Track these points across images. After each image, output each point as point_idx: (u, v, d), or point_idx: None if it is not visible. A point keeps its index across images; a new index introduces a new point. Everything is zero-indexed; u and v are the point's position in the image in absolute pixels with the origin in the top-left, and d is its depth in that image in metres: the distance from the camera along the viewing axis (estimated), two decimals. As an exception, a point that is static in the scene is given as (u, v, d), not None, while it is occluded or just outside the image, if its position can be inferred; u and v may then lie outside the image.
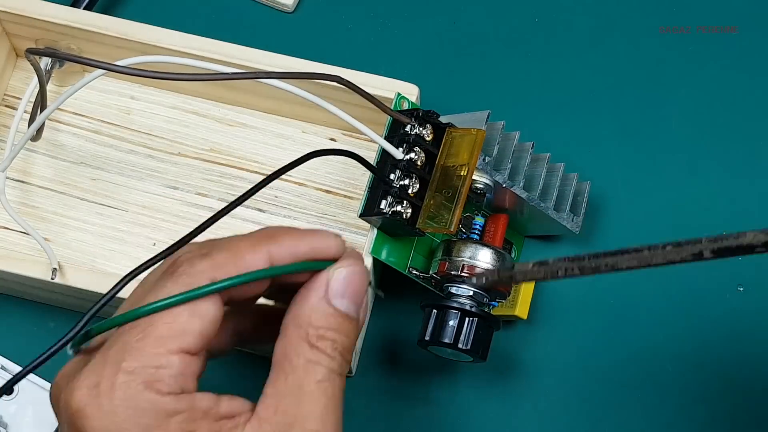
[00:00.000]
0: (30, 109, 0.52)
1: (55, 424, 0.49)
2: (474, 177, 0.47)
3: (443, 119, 0.47)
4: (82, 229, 0.53)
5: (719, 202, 0.54)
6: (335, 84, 0.50)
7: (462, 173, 0.45)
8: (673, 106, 0.56)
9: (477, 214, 0.50)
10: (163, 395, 0.34)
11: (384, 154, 0.46)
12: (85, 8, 0.55)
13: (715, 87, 0.56)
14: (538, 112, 0.56)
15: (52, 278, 0.47)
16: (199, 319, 0.35)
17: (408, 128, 0.46)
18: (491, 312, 0.48)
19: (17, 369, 0.50)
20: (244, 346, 0.43)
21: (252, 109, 0.55)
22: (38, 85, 0.50)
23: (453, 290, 0.47)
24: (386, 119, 0.47)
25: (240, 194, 0.40)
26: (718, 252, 0.32)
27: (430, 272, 0.48)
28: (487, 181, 0.48)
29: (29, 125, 0.51)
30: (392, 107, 0.48)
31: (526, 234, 0.53)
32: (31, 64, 0.47)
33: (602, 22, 0.58)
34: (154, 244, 0.53)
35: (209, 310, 0.35)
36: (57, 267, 0.47)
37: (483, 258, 0.47)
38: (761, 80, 0.57)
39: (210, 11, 0.58)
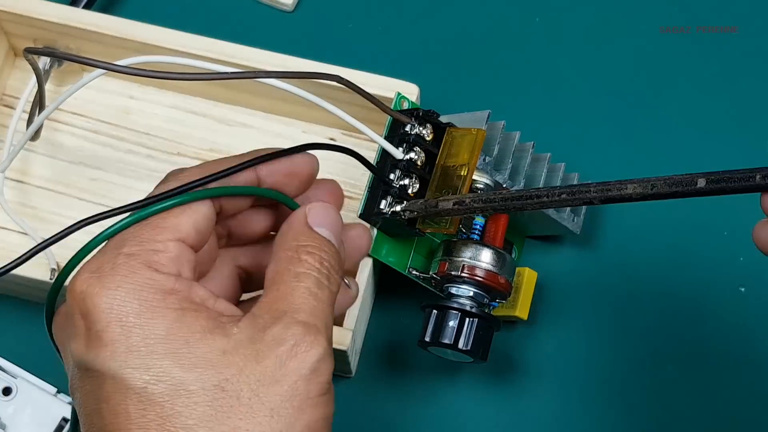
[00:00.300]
0: (28, 109, 0.52)
1: (54, 424, 0.49)
2: (474, 177, 0.47)
3: (443, 119, 0.47)
4: (82, 229, 0.53)
5: (719, 200, 0.54)
6: (335, 84, 0.50)
7: (462, 173, 0.45)
8: (673, 106, 0.56)
9: (477, 215, 0.50)
10: (162, 273, 0.36)
11: (384, 153, 0.46)
12: (84, 8, 0.55)
13: (715, 87, 0.56)
14: (538, 112, 0.56)
15: (51, 278, 0.47)
16: (193, 213, 0.38)
17: (408, 128, 0.46)
18: (491, 313, 0.48)
19: (16, 369, 0.50)
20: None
21: (252, 108, 0.55)
22: (37, 85, 0.50)
23: (453, 291, 0.47)
24: (386, 119, 0.47)
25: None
26: (604, 200, 0.39)
27: (430, 272, 0.48)
28: (488, 181, 0.47)
29: (28, 125, 0.51)
30: (392, 107, 0.47)
31: (527, 234, 0.53)
32: (30, 64, 0.47)
33: (602, 22, 0.58)
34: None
35: (200, 207, 0.38)
36: (56, 267, 0.47)
37: (484, 258, 0.47)
38: (761, 80, 0.57)
39: (210, 11, 0.58)
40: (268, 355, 0.35)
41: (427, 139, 0.46)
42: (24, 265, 0.48)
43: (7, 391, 0.50)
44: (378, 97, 0.48)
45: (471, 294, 0.47)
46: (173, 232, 0.37)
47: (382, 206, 0.45)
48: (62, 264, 0.47)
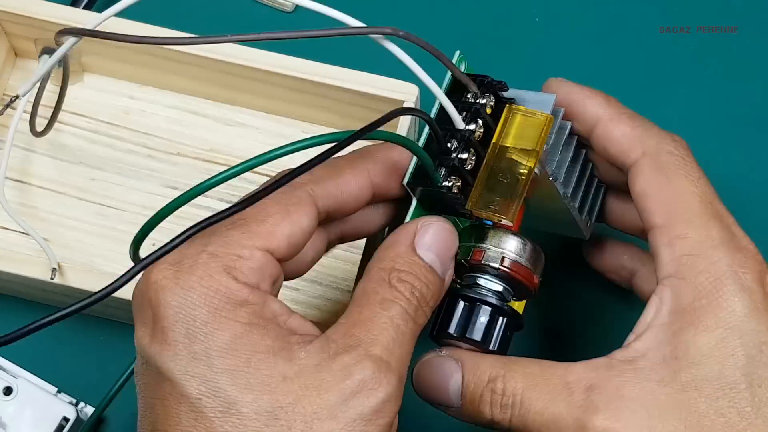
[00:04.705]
0: (29, 109, 0.52)
1: (55, 424, 0.49)
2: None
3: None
4: (82, 229, 0.53)
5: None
6: (336, 85, 0.50)
7: (526, 162, 0.40)
8: (672, 105, 0.56)
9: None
10: (239, 282, 0.35)
11: (440, 118, 0.40)
12: (84, 8, 0.55)
13: (715, 87, 0.56)
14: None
15: (52, 278, 0.47)
16: (290, 225, 0.36)
17: (470, 96, 0.41)
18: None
19: (17, 369, 0.50)
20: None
21: (252, 108, 0.55)
22: (63, 69, 0.49)
23: (482, 282, 0.42)
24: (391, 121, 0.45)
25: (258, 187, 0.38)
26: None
27: (458, 257, 0.42)
28: (536, 170, 0.42)
29: (29, 125, 0.51)
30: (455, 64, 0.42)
31: (529, 225, 0.50)
32: (56, 44, 0.45)
33: (602, 22, 0.58)
34: (154, 244, 0.52)
35: (302, 219, 0.36)
36: (56, 267, 0.47)
37: (526, 254, 0.42)
38: (761, 80, 0.57)
39: (210, 11, 0.58)
40: (331, 387, 0.34)
41: (487, 111, 0.41)
42: (24, 264, 0.48)
43: (7, 390, 0.50)
44: (379, 97, 0.48)
45: (500, 289, 0.42)
46: (264, 240, 0.35)
47: (443, 179, 0.40)
48: (63, 264, 0.48)
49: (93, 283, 0.47)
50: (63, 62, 0.53)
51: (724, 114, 0.56)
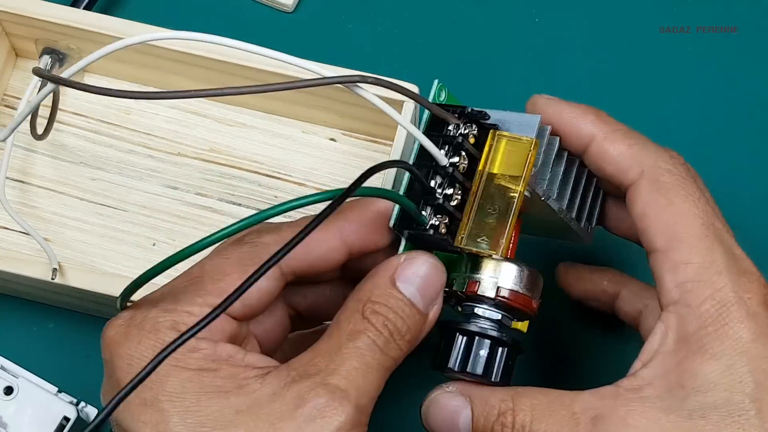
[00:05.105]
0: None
1: (55, 423, 0.49)
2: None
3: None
4: (82, 229, 0.53)
5: (719, 201, 0.54)
6: (335, 84, 0.50)
7: (515, 188, 0.39)
8: (672, 106, 0.56)
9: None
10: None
11: (421, 156, 0.40)
12: (84, 8, 0.55)
13: (715, 87, 0.56)
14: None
15: (52, 278, 0.47)
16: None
17: (452, 128, 0.40)
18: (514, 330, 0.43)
19: (17, 369, 0.50)
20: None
21: (252, 109, 0.55)
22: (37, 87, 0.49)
23: (479, 312, 0.41)
24: (390, 121, 0.46)
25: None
26: None
27: (454, 287, 0.41)
28: (526, 193, 0.42)
29: (30, 125, 0.51)
30: (431, 99, 0.41)
31: (528, 233, 0.51)
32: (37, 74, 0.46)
33: (602, 22, 0.58)
34: (154, 244, 0.53)
35: (262, 281, 0.34)
36: (57, 267, 0.47)
37: (521, 282, 0.41)
38: (761, 80, 0.56)
39: (210, 11, 0.58)
40: (284, 416, 0.33)
41: (470, 141, 0.40)
42: (24, 264, 0.48)
43: (8, 390, 0.50)
44: (381, 98, 0.48)
45: (499, 317, 0.41)
46: (216, 298, 0.35)
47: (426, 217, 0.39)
48: (63, 264, 0.48)
49: (93, 283, 0.47)
50: (60, 63, 0.53)
51: (723, 114, 0.56)
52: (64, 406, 0.50)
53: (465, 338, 0.41)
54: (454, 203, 0.39)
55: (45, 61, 0.52)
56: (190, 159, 0.54)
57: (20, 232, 0.53)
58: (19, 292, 0.52)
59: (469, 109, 0.40)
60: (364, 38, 0.58)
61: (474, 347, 0.40)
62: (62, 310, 0.52)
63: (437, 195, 0.39)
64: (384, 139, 0.54)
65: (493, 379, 0.40)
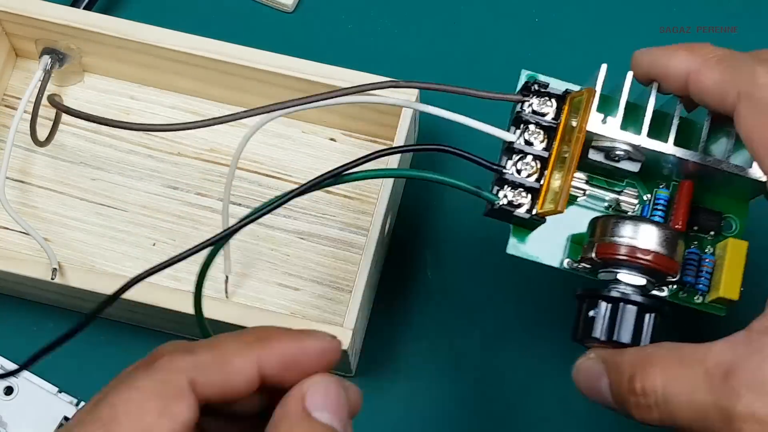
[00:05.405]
0: (30, 109, 0.52)
1: (56, 423, 0.49)
2: (607, 144, 0.41)
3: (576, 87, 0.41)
4: (82, 229, 0.53)
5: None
6: (334, 83, 0.50)
7: (574, 137, 0.39)
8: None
9: (661, 186, 0.43)
10: None
11: (503, 144, 0.41)
12: (85, 8, 0.55)
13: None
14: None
15: (52, 278, 0.47)
16: (169, 421, 0.32)
17: (520, 106, 0.40)
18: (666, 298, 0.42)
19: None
20: None
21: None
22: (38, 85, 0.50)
23: (622, 277, 0.40)
24: (390, 120, 0.46)
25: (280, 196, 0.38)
26: None
27: (589, 254, 0.41)
28: (625, 147, 0.41)
29: (31, 126, 0.51)
30: (515, 90, 0.42)
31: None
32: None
33: (602, 22, 0.58)
34: (154, 244, 0.53)
35: (182, 413, 0.32)
36: (57, 267, 0.47)
37: (658, 239, 0.39)
38: (761, 80, 0.56)
39: (210, 11, 0.58)
40: None
41: (546, 113, 0.40)
42: (24, 264, 0.48)
43: (8, 390, 0.50)
44: (379, 97, 0.48)
45: (644, 283, 0.40)
46: None
47: (500, 197, 0.40)
48: (63, 264, 0.48)
49: (93, 283, 0.47)
50: (60, 63, 0.53)
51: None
52: (64, 406, 0.50)
53: (609, 305, 0.40)
54: (530, 176, 0.40)
55: (45, 61, 0.52)
56: (190, 159, 0.54)
57: (20, 232, 0.53)
58: (19, 292, 0.52)
59: (532, 84, 0.40)
60: (364, 38, 0.58)
61: (620, 314, 0.39)
62: (62, 310, 0.52)
63: (504, 171, 0.40)
64: (384, 139, 0.54)
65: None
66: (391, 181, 0.49)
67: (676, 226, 0.41)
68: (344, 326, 0.46)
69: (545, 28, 0.58)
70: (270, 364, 0.34)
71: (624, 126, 0.41)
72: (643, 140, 0.41)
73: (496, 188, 0.40)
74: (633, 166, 0.42)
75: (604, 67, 0.41)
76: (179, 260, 0.37)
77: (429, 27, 0.58)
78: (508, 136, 0.40)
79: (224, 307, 0.46)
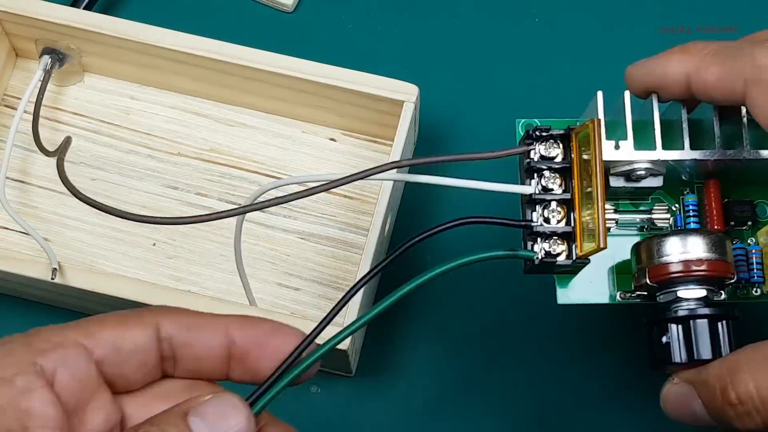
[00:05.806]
0: (30, 110, 0.52)
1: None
2: (629, 167, 0.40)
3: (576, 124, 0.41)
4: (82, 229, 0.53)
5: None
6: (334, 83, 0.50)
7: (590, 171, 0.38)
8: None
9: (686, 192, 0.42)
10: None
11: (522, 200, 0.40)
12: (84, 8, 0.55)
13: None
14: (539, 111, 0.56)
15: (52, 278, 0.47)
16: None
17: (531, 155, 0.40)
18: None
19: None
20: None
21: (252, 109, 0.55)
22: (38, 86, 0.50)
23: (682, 294, 0.39)
24: (390, 120, 0.46)
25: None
26: None
27: (640, 282, 0.40)
28: (646, 165, 0.40)
29: (33, 126, 0.51)
30: (517, 142, 0.41)
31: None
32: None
33: (602, 22, 0.58)
34: (154, 244, 0.53)
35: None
36: (57, 267, 0.47)
37: (714, 247, 0.39)
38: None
39: (210, 11, 0.58)
40: None
41: (555, 155, 0.40)
42: (24, 264, 0.48)
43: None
44: (379, 97, 0.48)
45: (705, 294, 0.39)
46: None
47: (536, 250, 0.39)
48: (63, 264, 0.48)
49: (93, 283, 0.47)
50: (60, 63, 0.53)
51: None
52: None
53: (680, 326, 0.39)
54: (560, 221, 0.39)
55: (45, 61, 0.52)
56: (190, 159, 0.54)
57: (20, 232, 0.53)
58: (19, 292, 0.52)
59: (533, 131, 0.39)
60: (364, 38, 0.58)
61: (693, 332, 0.39)
62: (62, 310, 0.52)
63: (532, 224, 0.39)
64: (384, 139, 0.54)
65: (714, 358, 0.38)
66: (390, 181, 0.49)
67: (715, 227, 0.41)
68: (344, 326, 0.46)
69: (545, 29, 0.58)
70: (166, 327, 0.34)
71: (636, 146, 0.40)
72: (661, 154, 0.40)
73: (529, 244, 0.39)
74: (656, 182, 0.41)
75: (600, 95, 0.41)
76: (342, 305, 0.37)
77: (429, 27, 0.58)
78: (526, 189, 0.39)
79: (224, 307, 0.46)
